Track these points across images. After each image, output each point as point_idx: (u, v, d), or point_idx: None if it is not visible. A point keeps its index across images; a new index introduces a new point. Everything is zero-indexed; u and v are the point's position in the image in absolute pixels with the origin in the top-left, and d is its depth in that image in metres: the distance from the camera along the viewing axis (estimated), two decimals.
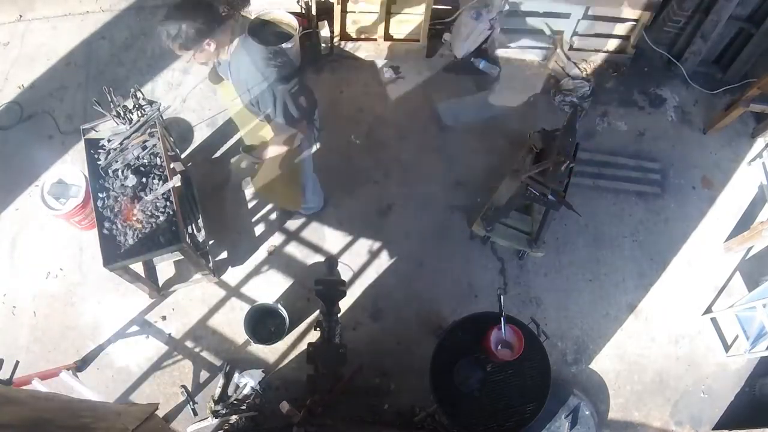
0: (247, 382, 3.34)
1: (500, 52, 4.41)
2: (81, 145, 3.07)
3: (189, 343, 3.47)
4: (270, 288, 3.63)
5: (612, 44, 4.41)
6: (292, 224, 3.80)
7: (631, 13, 4.13)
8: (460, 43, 4.40)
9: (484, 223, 3.61)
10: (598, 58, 4.45)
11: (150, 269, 3.52)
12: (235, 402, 3.24)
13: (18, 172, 3.79)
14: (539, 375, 2.80)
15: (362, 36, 4.30)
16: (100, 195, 2.93)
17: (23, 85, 4.07)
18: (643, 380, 3.62)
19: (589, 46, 4.42)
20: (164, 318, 3.52)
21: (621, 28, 4.31)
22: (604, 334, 3.69)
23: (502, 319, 2.71)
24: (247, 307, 3.41)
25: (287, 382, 3.40)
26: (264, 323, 3.53)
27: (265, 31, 4.09)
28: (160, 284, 3.53)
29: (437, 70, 4.41)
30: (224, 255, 3.69)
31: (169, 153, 3.13)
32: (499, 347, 2.73)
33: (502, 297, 2.75)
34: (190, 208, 3.58)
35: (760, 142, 4.32)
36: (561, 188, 3.18)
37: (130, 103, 3.06)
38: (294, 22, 4.06)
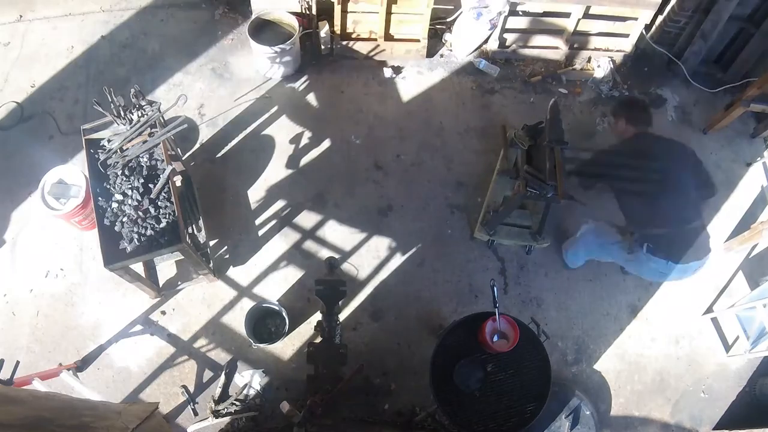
0: (248, 382, 3.35)
1: (500, 52, 4.42)
2: (81, 146, 3.07)
3: (189, 343, 3.47)
4: (270, 288, 3.63)
5: (612, 43, 4.42)
6: (293, 225, 3.80)
7: (631, 12, 4.13)
8: (461, 43, 4.40)
9: (485, 228, 3.61)
10: (598, 56, 4.46)
11: (150, 269, 3.52)
12: (235, 402, 3.24)
13: (18, 172, 3.79)
14: (540, 375, 2.79)
15: (362, 36, 4.30)
16: (100, 195, 2.93)
17: (23, 86, 4.08)
18: (643, 380, 3.62)
19: (590, 46, 4.43)
20: (165, 318, 3.52)
21: (621, 28, 4.32)
22: (605, 334, 3.69)
23: (496, 309, 2.71)
24: (247, 307, 3.41)
25: (287, 382, 3.40)
26: (264, 323, 3.53)
27: (265, 31, 4.10)
28: (161, 284, 3.53)
29: (437, 70, 4.42)
30: (225, 255, 3.70)
31: (169, 153, 3.13)
32: (495, 338, 2.73)
33: (495, 287, 2.76)
34: (191, 209, 3.58)
35: (760, 142, 4.32)
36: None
37: (130, 103, 3.06)
38: (294, 22, 4.06)
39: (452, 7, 4.39)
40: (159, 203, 2.93)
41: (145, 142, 3.02)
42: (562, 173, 3.17)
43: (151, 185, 2.95)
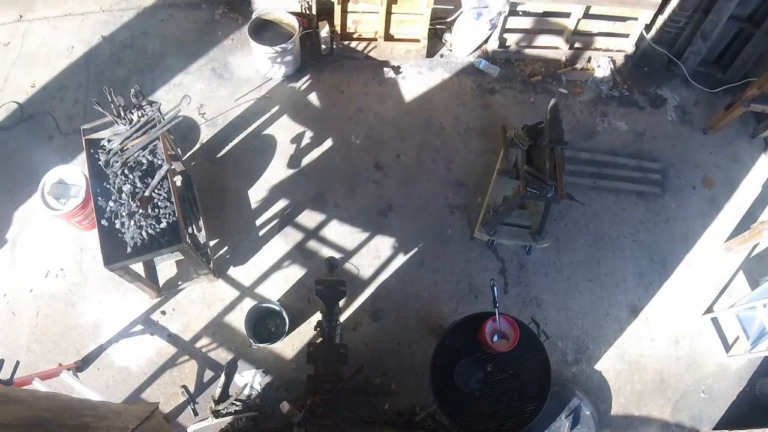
0: (248, 382, 3.35)
1: (500, 52, 4.41)
2: (81, 146, 3.07)
3: (189, 344, 3.46)
4: (270, 288, 3.63)
5: (613, 43, 4.42)
6: (293, 225, 3.80)
7: (631, 12, 4.13)
8: (461, 43, 4.40)
9: (486, 228, 3.61)
10: (598, 56, 4.46)
11: (150, 269, 3.52)
12: (235, 402, 3.24)
13: (19, 172, 3.79)
14: (540, 375, 2.79)
15: (362, 36, 4.30)
16: (100, 195, 2.93)
17: (23, 86, 4.07)
18: (643, 380, 3.62)
19: (590, 46, 4.42)
20: (165, 318, 3.52)
21: (621, 28, 4.31)
22: (605, 334, 3.69)
23: (496, 309, 2.71)
24: (247, 307, 3.41)
25: (287, 382, 3.40)
26: (264, 323, 3.53)
27: (265, 31, 4.10)
28: (161, 284, 3.53)
29: (437, 70, 4.42)
30: (225, 255, 3.69)
31: (169, 152, 3.13)
32: (495, 338, 2.72)
33: (495, 287, 2.76)
34: (191, 209, 3.58)
35: (760, 142, 4.32)
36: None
37: (130, 103, 3.06)
38: (294, 22, 4.06)
39: (452, 7, 4.39)
40: (159, 203, 2.93)
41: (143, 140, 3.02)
42: (563, 173, 3.17)
43: (150, 179, 2.95)
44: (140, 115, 3.08)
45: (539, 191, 3.14)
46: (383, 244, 3.78)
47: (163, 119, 3.13)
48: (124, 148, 2.99)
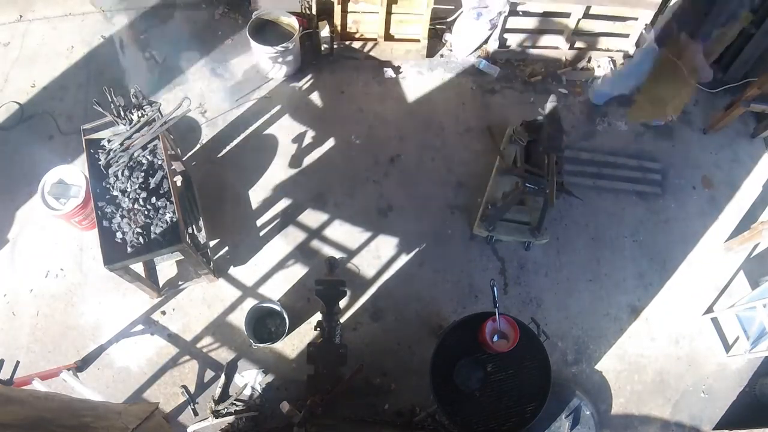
0: (248, 382, 3.35)
1: (500, 52, 4.41)
2: (81, 146, 3.07)
3: (189, 344, 3.47)
4: (271, 288, 3.63)
5: (613, 43, 4.42)
6: (294, 225, 3.80)
7: (631, 12, 4.13)
8: (461, 43, 4.40)
9: (484, 224, 3.61)
10: (598, 56, 4.46)
11: (150, 269, 3.52)
12: (235, 402, 3.24)
13: (19, 172, 3.79)
14: (540, 375, 2.79)
15: (363, 36, 4.30)
16: (100, 195, 2.93)
17: (23, 86, 4.07)
18: (643, 380, 3.62)
19: (590, 46, 4.42)
20: (165, 318, 3.52)
21: (621, 28, 4.31)
22: (605, 334, 3.69)
23: (496, 309, 2.71)
24: (247, 308, 3.41)
25: (287, 382, 3.40)
26: (264, 323, 3.53)
27: (265, 31, 4.10)
28: (161, 284, 3.53)
29: (437, 70, 4.42)
30: (226, 255, 3.69)
31: (169, 152, 3.13)
32: (495, 338, 2.73)
33: (495, 288, 2.76)
34: (191, 209, 3.58)
35: (760, 142, 4.32)
36: (561, 179, 3.19)
37: (130, 104, 3.06)
38: (294, 22, 4.06)
39: (452, 7, 4.39)
40: (159, 203, 2.93)
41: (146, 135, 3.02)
42: (557, 176, 3.17)
43: (150, 179, 2.95)
44: (140, 115, 3.08)
45: (537, 187, 3.15)
46: (383, 244, 3.78)
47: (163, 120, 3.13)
48: (125, 149, 2.99)
